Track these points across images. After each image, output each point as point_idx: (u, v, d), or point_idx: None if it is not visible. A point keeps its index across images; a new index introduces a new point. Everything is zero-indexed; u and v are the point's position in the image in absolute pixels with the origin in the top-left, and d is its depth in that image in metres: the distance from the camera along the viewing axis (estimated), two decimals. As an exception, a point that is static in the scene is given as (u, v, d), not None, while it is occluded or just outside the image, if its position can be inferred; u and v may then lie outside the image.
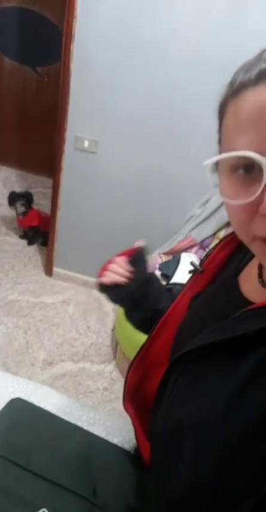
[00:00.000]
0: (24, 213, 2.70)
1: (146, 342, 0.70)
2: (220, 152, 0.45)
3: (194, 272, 0.66)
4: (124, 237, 2.24)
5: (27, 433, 0.79)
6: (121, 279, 0.74)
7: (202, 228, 1.84)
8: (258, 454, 0.38)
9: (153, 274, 0.82)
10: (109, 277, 0.75)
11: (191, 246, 1.87)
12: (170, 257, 1.85)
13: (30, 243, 2.77)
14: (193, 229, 1.87)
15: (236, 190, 0.41)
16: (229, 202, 0.42)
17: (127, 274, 0.74)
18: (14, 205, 2.69)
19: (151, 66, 1.74)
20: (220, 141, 0.46)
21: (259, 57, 0.40)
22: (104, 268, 0.77)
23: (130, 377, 0.71)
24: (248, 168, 0.40)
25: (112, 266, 0.76)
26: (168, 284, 1.59)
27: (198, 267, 0.65)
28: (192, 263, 0.66)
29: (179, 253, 1.79)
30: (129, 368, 0.72)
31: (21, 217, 2.71)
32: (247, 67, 0.41)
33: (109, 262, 0.78)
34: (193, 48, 1.66)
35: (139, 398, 0.72)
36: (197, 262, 0.67)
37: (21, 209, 2.68)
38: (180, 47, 1.67)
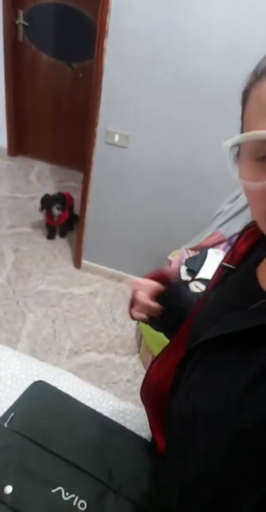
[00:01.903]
0: (59, 216, 2.71)
1: (171, 340, 0.70)
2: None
3: (228, 272, 0.64)
4: (153, 231, 2.25)
5: (48, 414, 0.82)
6: (152, 314, 0.73)
7: (231, 224, 1.81)
8: None
9: (186, 303, 0.76)
10: (139, 316, 0.73)
11: (219, 242, 1.84)
12: (197, 252, 1.83)
13: (50, 237, 2.80)
14: (221, 225, 1.84)
15: (257, 175, 0.41)
16: (249, 186, 0.42)
17: (156, 310, 0.72)
18: (50, 209, 2.65)
19: (182, 61, 1.72)
20: (242, 129, 0.46)
21: None
22: (132, 301, 0.75)
23: (152, 372, 0.72)
24: None
25: (140, 301, 0.72)
26: (193, 279, 1.58)
27: (231, 267, 0.63)
28: (223, 266, 0.64)
29: (207, 248, 1.78)
30: (153, 362, 0.73)
31: (56, 219, 2.72)
32: None
33: (137, 286, 0.74)
34: (225, 41, 1.63)
35: (157, 392, 0.72)
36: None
37: (58, 212, 2.67)
38: (212, 40, 1.64)
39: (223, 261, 0.64)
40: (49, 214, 2.71)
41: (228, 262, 0.63)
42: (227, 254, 0.65)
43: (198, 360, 0.52)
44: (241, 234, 0.63)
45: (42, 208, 2.69)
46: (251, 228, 0.61)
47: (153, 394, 0.73)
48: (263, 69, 0.41)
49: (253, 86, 0.42)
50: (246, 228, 0.62)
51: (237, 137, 0.42)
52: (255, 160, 0.41)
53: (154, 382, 0.72)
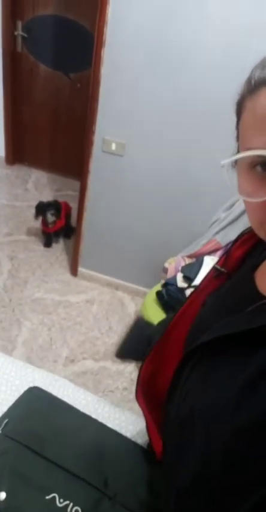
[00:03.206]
0: (54, 222, 2.70)
1: (160, 337, 0.71)
2: (238, 149, 0.46)
3: (219, 274, 0.65)
4: (149, 239, 2.26)
5: (43, 420, 0.81)
6: None
7: (227, 231, 1.82)
8: (265, 448, 0.38)
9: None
10: None
11: (215, 250, 1.85)
12: (193, 260, 1.84)
13: (46, 245, 2.79)
14: (217, 232, 1.85)
15: (254, 188, 0.42)
16: (248, 200, 0.43)
17: None
18: (44, 215, 2.64)
19: (178, 71, 1.75)
20: (238, 138, 0.47)
21: None
22: None
23: (144, 370, 0.72)
24: None
25: None
26: (189, 286, 1.58)
27: (223, 270, 0.64)
28: (216, 268, 0.65)
29: (203, 256, 1.78)
30: (143, 362, 0.73)
31: (51, 226, 2.70)
32: (264, 63, 0.41)
33: None
34: (220, 52, 1.66)
35: (151, 392, 0.73)
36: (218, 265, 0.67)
37: (52, 219, 2.65)
38: (208, 51, 1.67)
39: (216, 263, 0.65)
40: (44, 221, 2.71)
41: (221, 266, 0.64)
42: (221, 257, 0.65)
43: (196, 362, 0.52)
44: (237, 238, 0.64)
45: (36, 215, 2.68)
46: (247, 234, 0.62)
47: (148, 394, 0.73)
48: (256, 81, 0.41)
49: (247, 98, 0.42)
50: (243, 234, 0.63)
51: (233, 157, 0.43)
52: (252, 168, 0.42)
53: (147, 380, 0.73)
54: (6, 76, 3.42)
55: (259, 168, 0.41)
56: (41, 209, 2.66)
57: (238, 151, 0.46)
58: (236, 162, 0.46)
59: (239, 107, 0.45)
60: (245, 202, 0.45)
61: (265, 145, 0.39)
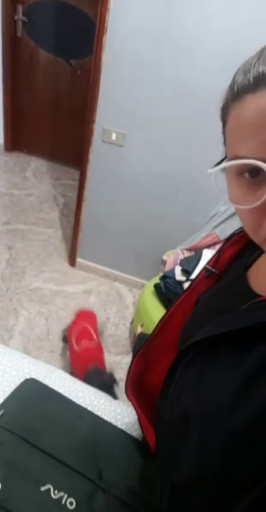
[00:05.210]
0: None
1: (151, 334, 0.71)
2: (226, 154, 0.45)
3: (210, 275, 0.65)
4: (148, 231, 2.25)
5: (39, 412, 0.82)
6: None
7: (227, 225, 1.81)
8: (260, 447, 0.38)
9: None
10: None
11: (214, 243, 1.85)
12: (192, 253, 1.84)
13: None
14: (216, 226, 1.85)
15: (243, 195, 0.41)
16: (238, 208, 0.43)
17: None
18: None
19: (180, 61, 1.72)
20: (225, 142, 0.46)
21: (258, 57, 0.39)
22: None
23: (134, 366, 0.73)
24: (254, 172, 0.40)
25: None
26: (187, 280, 1.58)
27: (214, 271, 0.64)
28: (206, 268, 0.66)
29: (202, 249, 1.78)
30: (133, 358, 0.73)
31: None
32: (246, 68, 0.40)
33: None
34: (223, 42, 1.63)
35: (140, 389, 0.74)
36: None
37: None
38: (210, 41, 1.64)
39: (207, 263, 0.65)
40: None
41: (212, 266, 0.64)
42: (212, 257, 0.65)
43: (189, 361, 0.52)
44: (228, 239, 0.64)
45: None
46: (238, 234, 0.62)
47: (137, 391, 0.74)
48: (238, 88, 0.40)
49: (232, 105, 0.41)
50: (233, 234, 0.63)
51: (220, 166, 0.43)
52: (240, 175, 0.42)
53: (136, 376, 0.73)
54: (5, 61, 3.37)
55: (247, 175, 0.40)
56: None
57: (226, 156, 0.45)
58: (224, 169, 0.45)
59: (224, 113, 0.44)
60: (236, 209, 0.45)
61: (251, 153, 0.38)
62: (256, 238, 0.44)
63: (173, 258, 1.87)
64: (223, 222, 1.85)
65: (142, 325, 1.39)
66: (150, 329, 0.75)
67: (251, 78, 0.38)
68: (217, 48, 1.65)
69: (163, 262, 1.92)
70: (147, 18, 1.67)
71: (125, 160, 2.04)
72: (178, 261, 1.75)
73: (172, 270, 1.70)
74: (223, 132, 0.46)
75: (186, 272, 1.63)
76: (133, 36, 1.72)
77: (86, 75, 3.11)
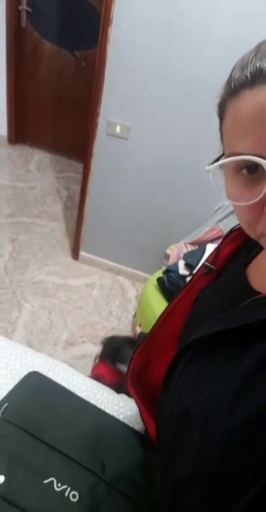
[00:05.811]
0: None
1: (152, 330, 0.72)
2: (223, 151, 0.45)
3: (209, 272, 0.65)
4: (152, 224, 2.24)
5: (42, 405, 0.82)
6: None
7: (231, 219, 1.80)
8: (260, 446, 0.38)
9: None
10: None
11: (218, 237, 1.83)
12: (196, 247, 1.83)
13: None
14: (221, 220, 1.84)
15: (241, 191, 0.41)
16: (236, 204, 0.42)
17: None
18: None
19: (186, 53, 1.70)
20: (222, 139, 0.46)
21: (255, 52, 0.38)
22: None
23: (134, 361, 0.73)
24: (252, 168, 0.39)
25: None
26: (190, 274, 1.58)
27: (213, 268, 0.64)
28: (205, 265, 0.65)
29: (205, 243, 1.77)
30: (134, 353, 0.74)
31: None
32: (243, 64, 0.39)
33: None
34: (229, 33, 1.60)
35: (140, 383, 0.74)
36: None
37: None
38: (217, 32, 1.62)
39: (206, 260, 0.65)
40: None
41: (211, 263, 0.63)
42: (211, 254, 0.65)
43: (190, 358, 0.52)
44: (226, 236, 0.64)
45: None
46: (236, 231, 0.62)
47: (137, 385, 0.74)
48: (235, 84, 0.39)
49: (229, 102, 0.41)
50: (232, 231, 0.63)
51: (218, 163, 0.43)
52: (238, 172, 0.41)
53: (136, 371, 0.74)
54: (10, 52, 3.34)
55: (244, 172, 0.40)
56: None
57: (224, 153, 0.45)
58: (222, 165, 0.45)
59: (221, 109, 0.44)
60: (233, 205, 0.45)
61: (249, 149, 0.38)
62: (253, 234, 0.44)
63: (176, 252, 1.86)
64: (227, 216, 1.84)
65: (140, 325, 1.39)
66: (152, 322, 0.75)
67: (248, 74, 0.37)
68: (223, 39, 1.63)
69: (167, 256, 1.91)
70: (153, 9, 1.65)
71: (129, 153, 2.02)
72: (182, 255, 1.74)
73: (176, 264, 1.70)
74: (220, 129, 0.46)
75: (190, 266, 1.62)
76: (139, 27, 1.70)
77: (90, 67, 3.08)
